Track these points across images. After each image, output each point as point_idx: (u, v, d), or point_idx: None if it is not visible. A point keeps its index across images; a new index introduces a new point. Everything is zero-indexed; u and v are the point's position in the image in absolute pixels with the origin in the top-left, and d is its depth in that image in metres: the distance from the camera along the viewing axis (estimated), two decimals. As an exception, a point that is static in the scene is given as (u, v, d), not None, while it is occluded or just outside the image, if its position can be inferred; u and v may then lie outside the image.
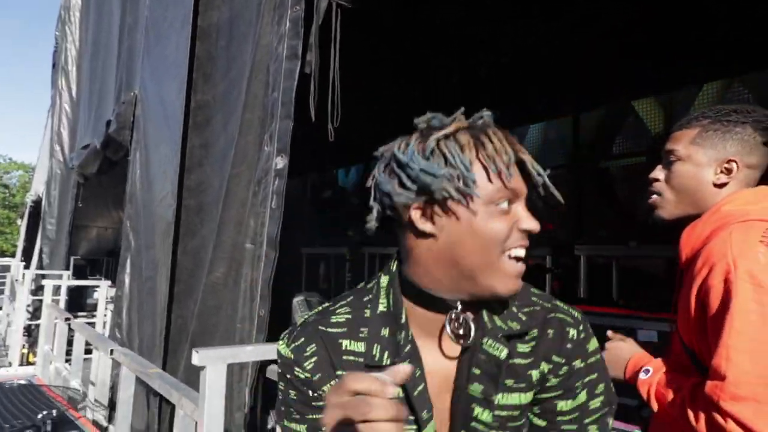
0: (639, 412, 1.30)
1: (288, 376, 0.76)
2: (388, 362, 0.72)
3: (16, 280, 6.38)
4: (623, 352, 1.21)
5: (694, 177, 1.12)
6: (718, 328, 0.95)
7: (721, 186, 1.10)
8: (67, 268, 5.62)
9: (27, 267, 6.13)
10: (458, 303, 0.74)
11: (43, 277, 5.20)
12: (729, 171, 1.10)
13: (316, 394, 0.74)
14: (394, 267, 0.79)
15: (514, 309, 0.77)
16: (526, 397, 0.75)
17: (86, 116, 5.64)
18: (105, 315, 4.49)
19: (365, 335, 0.75)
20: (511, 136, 0.73)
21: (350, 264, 6.24)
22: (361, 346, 0.75)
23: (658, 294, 4.18)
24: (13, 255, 16.49)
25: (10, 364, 5.02)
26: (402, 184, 0.70)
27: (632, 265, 4.21)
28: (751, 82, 3.94)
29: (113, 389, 2.54)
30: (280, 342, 0.78)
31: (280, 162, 1.84)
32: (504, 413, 0.73)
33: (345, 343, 0.75)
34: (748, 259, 0.94)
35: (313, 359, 0.74)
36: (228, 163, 2.37)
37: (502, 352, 0.73)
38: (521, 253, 0.74)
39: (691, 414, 0.98)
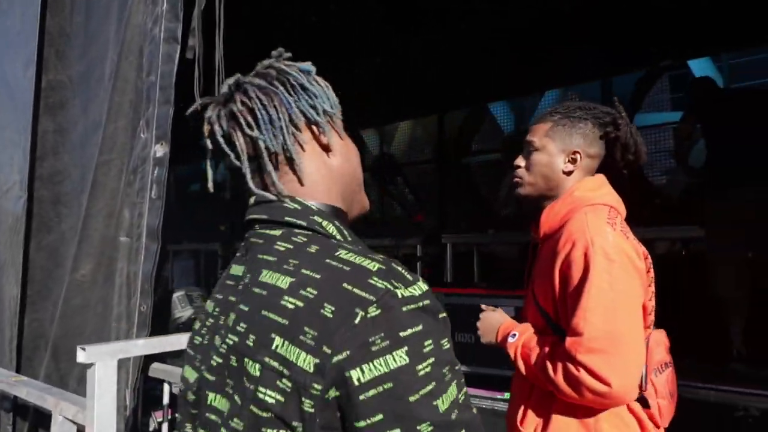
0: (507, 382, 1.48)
1: (439, 315, 0.62)
2: None
3: None
4: (494, 320, 1.39)
5: (547, 165, 1.33)
6: (577, 293, 1.14)
7: (568, 173, 1.32)
8: None
9: None
10: None
11: None
12: (574, 161, 1.31)
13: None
14: (310, 206, 0.72)
15: None
16: None
17: None
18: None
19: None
20: None
21: (222, 260, 6.02)
22: None
23: (513, 274, 4.72)
24: None
25: None
26: (313, 106, 0.73)
27: (491, 251, 4.68)
28: (581, 90, 4.62)
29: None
30: (400, 286, 0.60)
31: (160, 150, 1.76)
32: None
33: None
34: (600, 237, 1.15)
35: None
36: (92, 150, 2.18)
37: None
38: None
39: (549, 367, 1.16)
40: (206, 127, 0.75)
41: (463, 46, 4.01)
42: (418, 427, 0.56)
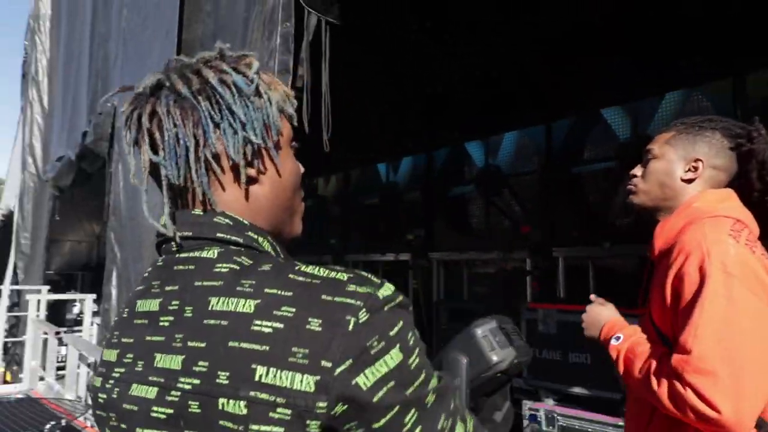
0: (621, 406, 1.41)
1: (410, 309, 0.63)
2: None
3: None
4: (601, 315, 1.33)
5: (665, 172, 1.25)
6: (689, 308, 1.05)
7: (688, 182, 1.23)
8: (44, 283, 5.51)
9: (0, 283, 5.98)
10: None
11: (19, 293, 5.08)
12: (695, 169, 1.22)
13: None
14: (242, 221, 0.67)
15: None
16: None
17: (60, 127, 5.56)
18: (91, 329, 4.43)
19: None
20: None
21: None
22: None
23: (631, 291, 4.37)
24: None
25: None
26: (235, 133, 0.64)
27: (607, 265, 4.39)
28: (711, 89, 4.18)
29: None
30: (375, 289, 0.60)
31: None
32: None
33: None
34: (720, 250, 1.06)
35: None
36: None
37: None
38: None
39: (654, 381, 1.08)
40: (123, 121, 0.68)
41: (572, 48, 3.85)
42: (425, 401, 0.59)
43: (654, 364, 1.12)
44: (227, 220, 0.65)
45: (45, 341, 3.68)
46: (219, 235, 0.64)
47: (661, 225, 1.25)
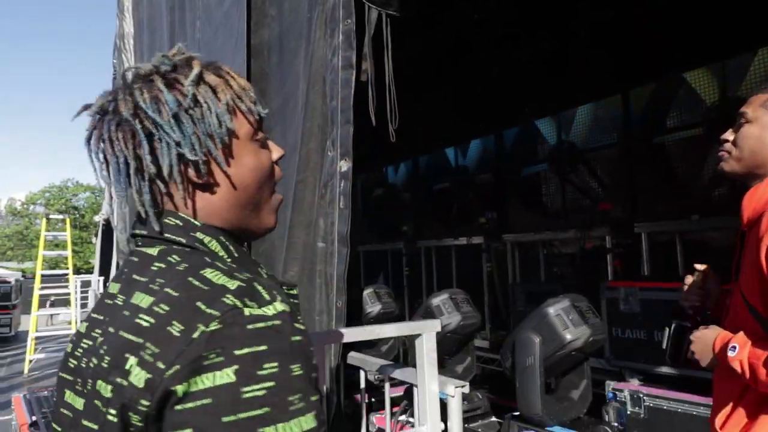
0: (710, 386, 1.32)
1: (292, 339, 0.57)
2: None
3: (99, 293, 6.88)
4: (708, 338, 1.24)
5: (759, 138, 1.17)
6: None
7: None
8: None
9: (106, 281, 6.63)
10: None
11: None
12: None
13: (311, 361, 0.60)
14: (194, 222, 0.70)
15: None
16: None
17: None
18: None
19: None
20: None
21: (406, 258, 6.37)
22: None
23: (726, 264, 4.07)
24: (88, 272, 17.69)
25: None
26: (168, 147, 0.66)
27: (696, 238, 4.12)
28: None
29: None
30: (253, 305, 0.58)
31: (344, 165, 1.99)
32: None
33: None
34: None
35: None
36: (292, 171, 2.55)
37: None
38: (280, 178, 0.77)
39: None
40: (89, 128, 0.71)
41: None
42: None
43: None
44: (177, 221, 0.69)
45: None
46: (166, 235, 0.68)
47: (750, 193, 1.17)
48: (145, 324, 0.59)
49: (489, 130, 6.47)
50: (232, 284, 0.59)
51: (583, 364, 1.58)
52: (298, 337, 0.58)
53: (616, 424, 2.34)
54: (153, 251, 0.68)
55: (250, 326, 0.55)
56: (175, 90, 0.67)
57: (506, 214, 6.27)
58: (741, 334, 1.18)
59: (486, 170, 6.72)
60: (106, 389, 0.59)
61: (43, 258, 10.32)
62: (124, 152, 0.67)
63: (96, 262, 10.40)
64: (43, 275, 10.20)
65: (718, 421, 1.17)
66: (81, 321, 0.80)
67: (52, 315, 14.22)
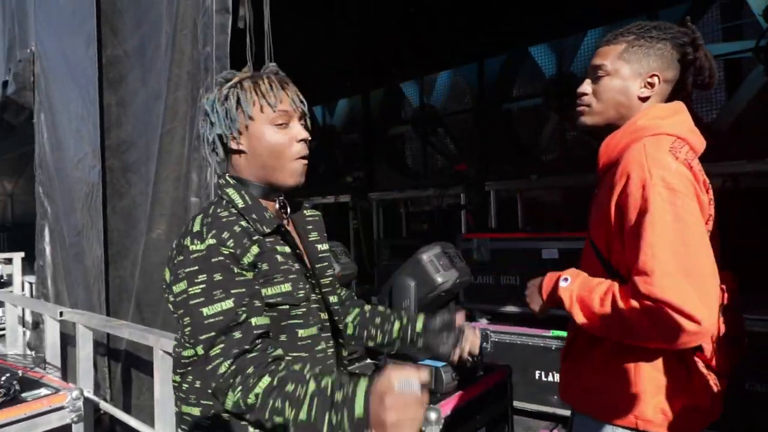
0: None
1: (213, 260, 0.95)
2: (274, 226, 1.03)
3: None
4: (536, 281, 1.28)
5: (621, 90, 1.18)
6: (638, 230, 1.04)
7: (644, 99, 1.18)
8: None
9: None
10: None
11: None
12: (651, 85, 1.17)
13: (239, 268, 0.97)
14: (226, 180, 1.08)
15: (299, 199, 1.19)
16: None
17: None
18: (23, 288, 4.25)
19: (249, 217, 1.02)
20: (283, 77, 1.10)
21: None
22: (252, 222, 1.02)
23: (557, 218, 4.74)
24: None
25: None
26: (212, 127, 1.08)
27: (534, 196, 4.70)
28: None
29: (63, 352, 2.53)
30: (195, 241, 0.97)
31: (219, 117, 1.91)
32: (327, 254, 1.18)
33: (242, 223, 1.01)
34: (661, 168, 1.04)
35: (232, 239, 0.98)
36: (155, 120, 2.36)
37: (316, 212, 1.20)
38: (304, 152, 1.08)
39: (624, 309, 1.03)
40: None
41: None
42: (192, 318, 0.95)
43: (615, 292, 1.06)
44: (221, 180, 1.10)
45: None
46: (217, 191, 1.11)
47: (608, 140, 1.19)
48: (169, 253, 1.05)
49: (356, 90, 6.54)
50: (196, 229, 0.99)
51: (450, 304, 1.77)
52: (219, 258, 0.96)
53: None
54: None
55: (192, 256, 0.97)
56: (219, 92, 1.08)
57: (372, 172, 6.48)
58: (573, 268, 1.20)
59: (353, 130, 6.82)
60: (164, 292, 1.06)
61: None
62: (202, 129, 1.11)
63: None
64: None
65: (562, 353, 1.27)
66: None
67: None
